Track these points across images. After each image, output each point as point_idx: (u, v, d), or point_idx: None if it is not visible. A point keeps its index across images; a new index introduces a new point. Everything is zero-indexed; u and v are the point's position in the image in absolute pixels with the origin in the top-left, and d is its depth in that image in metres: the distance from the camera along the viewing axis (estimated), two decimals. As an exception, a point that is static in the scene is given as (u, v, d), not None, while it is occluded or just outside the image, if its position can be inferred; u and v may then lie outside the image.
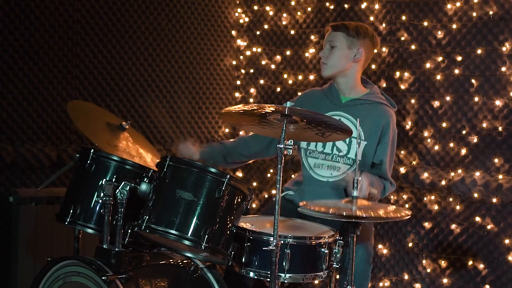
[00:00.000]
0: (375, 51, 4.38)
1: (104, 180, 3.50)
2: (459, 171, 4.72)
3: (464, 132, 4.73)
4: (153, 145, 5.34)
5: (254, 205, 5.78)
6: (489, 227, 4.63)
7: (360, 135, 4.14)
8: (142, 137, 4.27)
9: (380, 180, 4.17)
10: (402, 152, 4.97)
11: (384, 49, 5.08)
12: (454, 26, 4.77)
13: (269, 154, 4.46)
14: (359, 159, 4.15)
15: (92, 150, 3.68)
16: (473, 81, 4.69)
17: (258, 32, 5.88)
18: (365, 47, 4.21)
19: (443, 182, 4.73)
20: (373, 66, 5.11)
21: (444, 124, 4.81)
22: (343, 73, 4.23)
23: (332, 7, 5.40)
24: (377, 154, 4.19)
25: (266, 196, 5.78)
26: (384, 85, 5.05)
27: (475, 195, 4.60)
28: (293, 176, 5.40)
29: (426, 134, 4.88)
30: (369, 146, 4.17)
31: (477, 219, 4.68)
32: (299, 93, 5.42)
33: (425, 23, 4.89)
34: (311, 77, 5.49)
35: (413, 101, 4.94)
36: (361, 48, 4.19)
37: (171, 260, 3.75)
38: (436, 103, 4.84)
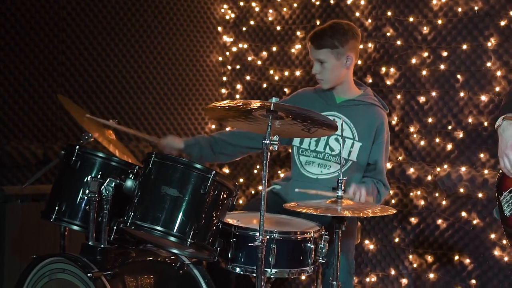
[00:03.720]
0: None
1: (90, 176, 3.51)
2: (445, 166, 4.73)
3: (449, 127, 4.74)
4: (138, 142, 5.36)
5: (240, 201, 5.79)
6: (475, 222, 4.65)
7: (354, 136, 4.15)
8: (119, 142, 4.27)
9: (374, 186, 4.16)
10: (388, 147, 4.98)
11: (370, 45, 5.09)
12: (440, 21, 4.78)
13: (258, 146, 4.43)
14: (354, 160, 4.16)
15: (77, 147, 3.68)
16: (458, 76, 4.71)
17: (244, 28, 5.87)
18: (351, 50, 4.17)
19: (429, 178, 4.74)
20: (359, 62, 5.11)
21: (430, 120, 4.82)
22: (340, 80, 4.23)
23: (318, 3, 5.40)
24: (372, 154, 4.19)
25: (253, 192, 5.78)
26: (370, 80, 5.06)
27: (461, 190, 4.62)
28: (279, 172, 5.41)
29: (412, 129, 4.89)
30: (363, 147, 4.16)
31: (463, 214, 4.70)
32: (286, 90, 5.43)
33: (411, 19, 4.90)
34: (297, 73, 5.49)
35: (399, 96, 4.94)
36: (349, 54, 4.16)
37: (157, 257, 3.75)
38: (422, 99, 4.85)
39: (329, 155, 4.21)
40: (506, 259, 4.51)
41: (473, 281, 4.65)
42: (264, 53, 5.75)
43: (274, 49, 5.68)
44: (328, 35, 4.15)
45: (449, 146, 4.74)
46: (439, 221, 4.80)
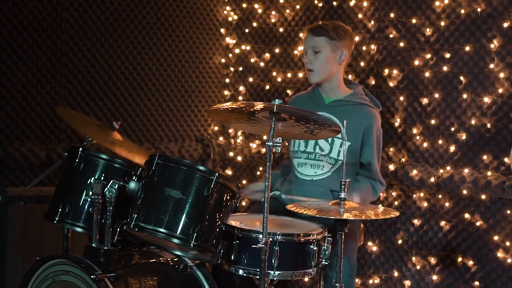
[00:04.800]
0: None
1: (93, 178, 3.51)
2: (448, 168, 4.73)
3: (452, 129, 4.73)
4: (141, 144, 5.36)
5: (243, 203, 5.78)
6: (478, 223, 4.64)
7: (342, 136, 4.16)
8: (129, 141, 4.28)
9: (368, 183, 4.18)
10: (391, 149, 4.98)
11: (372, 46, 5.08)
12: (442, 23, 4.77)
13: None
14: (344, 160, 4.17)
15: (80, 149, 3.69)
16: (461, 78, 4.70)
17: (247, 30, 5.87)
18: (347, 47, 4.24)
19: (432, 179, 4.74)
20: (362, 64, 5.11)
21: (432, 121, 4.81)
22: (329, 77, 4.24)
23: (320, 4, 5.40)
24: (365, 156, 4.21)
25: (256, 194, 5.77)
26: (373, 82, 5.06)
27: (464, 192, 4.61)
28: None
29: (415, 131, 4.89)
30: (352, 146, 4.18)
31: (466, 216, 4.69)
32: (289, 92, 5.44)
33: (414, 20, 4.90)
34: (300, 74, 5.49)
35: (401, 98, 4.94)
36: (345, 50, 4.21)
37: (160, 259, 3.76)
38: (425, 100, 4.85)
39: (319, 155, 4.23)
40: (509, 260, 4.50)
41: (477, 283, 4.65)
42: (267, 55, 5.75)
43: (277, 50, 5.68)
44: (329, 27, 4.22)
45: (452, 148, 4.73)
46: (442, 223, 4.80)
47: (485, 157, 4.60)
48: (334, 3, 5.30)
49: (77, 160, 3.68)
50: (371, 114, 4.24)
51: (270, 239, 3.34)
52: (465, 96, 4.68)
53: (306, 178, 4.26)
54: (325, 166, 4.21)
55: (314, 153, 4.24)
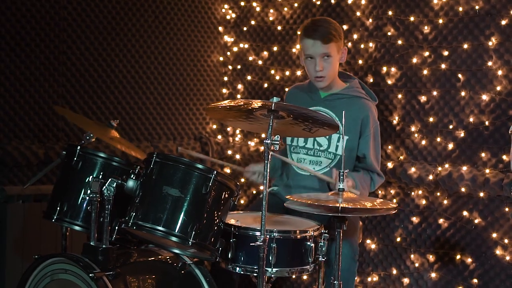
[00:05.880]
0: None
1: (91, 177, 3.52)
2: (446, 165, 4.73)
3: (451, 126, 4.73)
4: (140, 142, 5.36)
5: (242, 201, 5.78)
6: (476, 221, 4.64)
7: (339, 130, 4.16)
8: (126, 141, 4.27)
9: (367, 174, 4.18)
10: (389, 147, 4.98)
11: (371, 44, 5.08)
12: (441, 21, 4.77)
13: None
14: (342, 153, 4.18)
15: (78, 147, 3.69)
16: (459, 75, 4.70)
17: (245, 28, 5.87)
18: (343, 43, 4.23)
19: (431, 177, 4.74)
20: (360, 62, 5.11)
21: (431, 119, 4.81)
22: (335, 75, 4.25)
23: (318, 2, 5.40)
24: (360, 148, 4.20)
25: (254, 192, 5.78)
26: (371, 80, 5.05)
27: (462, 189, 4.61)
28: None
29: (413, 129, 4.89)
30: (350, 140, 4.17)
31: (465, 213, 4.69)
32: (287, 90, 5.44)
33: (412, 18, 4.90)
34: (298, 72, 5.49)
35: (400, 96, 4.94)
36: (344, 48, 4.20)
37: (159, 257, 3.76)
38: (423, 98, 4.85)
39: (318, 151, 4.22)
40: (507, 258, 4.51)
41: (475, 280, 4.65)
42: (265, 53, 5.75)
43: (275, 49, 5.68)
44: (331, 29, 4.15)
45: (450, 146, 4.73)
46: (441, 221, 4.80)
47: (483, 154, 4.61)
48: (332, 1, 5.30)
49: (75, 158, 3.68)
50: (366, 107, 4.23)
51: (267, 236, 3.35)
52: (463, 93, 4.68)
53: (305, 173, 4.25)
54: (323, 161, 4.20)
55: (313, 149, 4.23)
